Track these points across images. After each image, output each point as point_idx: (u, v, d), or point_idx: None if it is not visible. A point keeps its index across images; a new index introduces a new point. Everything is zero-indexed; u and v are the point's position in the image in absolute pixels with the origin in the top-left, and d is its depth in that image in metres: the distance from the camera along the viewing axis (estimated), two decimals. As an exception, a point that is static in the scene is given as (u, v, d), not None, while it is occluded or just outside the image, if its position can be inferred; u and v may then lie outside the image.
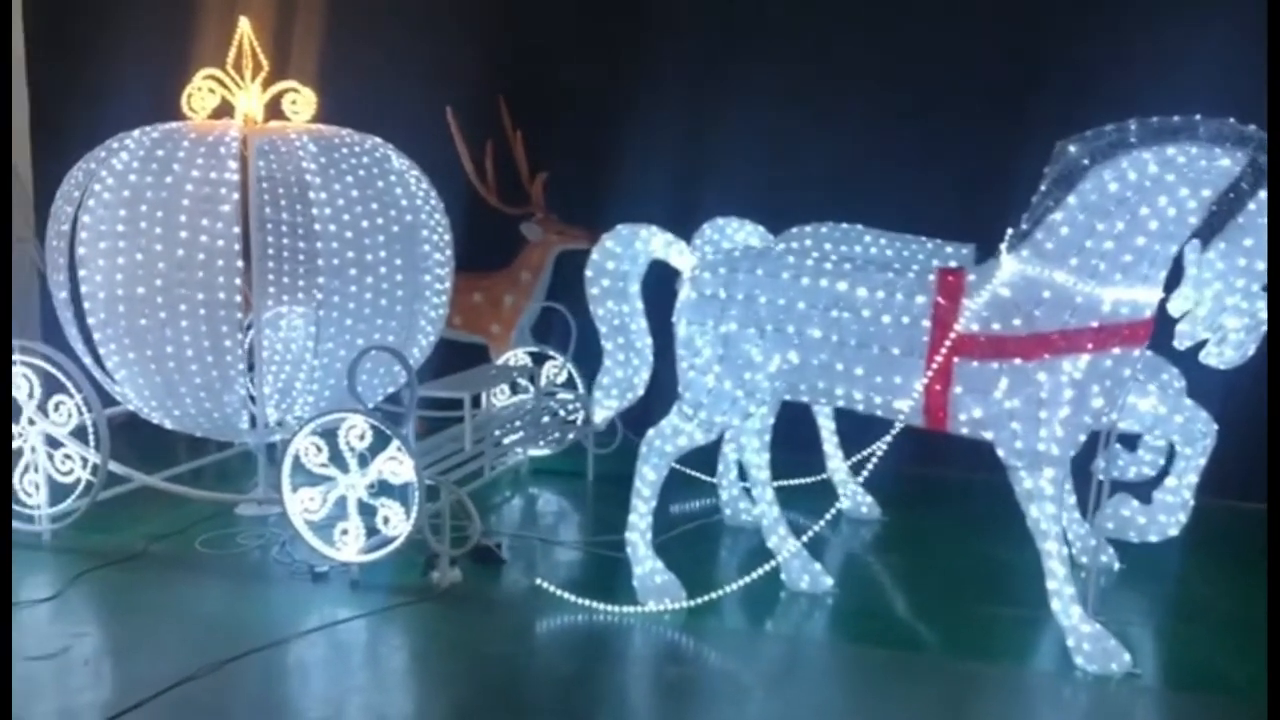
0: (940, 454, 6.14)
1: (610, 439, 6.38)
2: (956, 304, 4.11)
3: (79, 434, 5.18)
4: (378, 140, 5.46)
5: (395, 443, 4.71)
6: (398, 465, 4.71)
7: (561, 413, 6.47)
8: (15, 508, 5.24)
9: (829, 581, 4.82)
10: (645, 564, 4.68)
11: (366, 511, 4.78)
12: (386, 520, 4.74)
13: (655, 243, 4.59)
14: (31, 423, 5.14)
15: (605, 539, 5.39)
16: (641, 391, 4.74)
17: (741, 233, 5.24)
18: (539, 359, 6.65)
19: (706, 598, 4.59)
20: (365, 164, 5.25)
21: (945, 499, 6.21)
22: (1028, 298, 4.02)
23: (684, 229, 6.47)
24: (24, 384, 5.11)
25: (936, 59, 6.17)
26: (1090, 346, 3.94)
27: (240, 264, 4.85)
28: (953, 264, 5.28)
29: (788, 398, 4.50)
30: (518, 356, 6.70)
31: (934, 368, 4.11)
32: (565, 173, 6.86)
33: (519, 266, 6.91)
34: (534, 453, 6.46)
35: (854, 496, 5.83)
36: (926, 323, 4.14)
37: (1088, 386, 3.97)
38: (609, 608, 4.62)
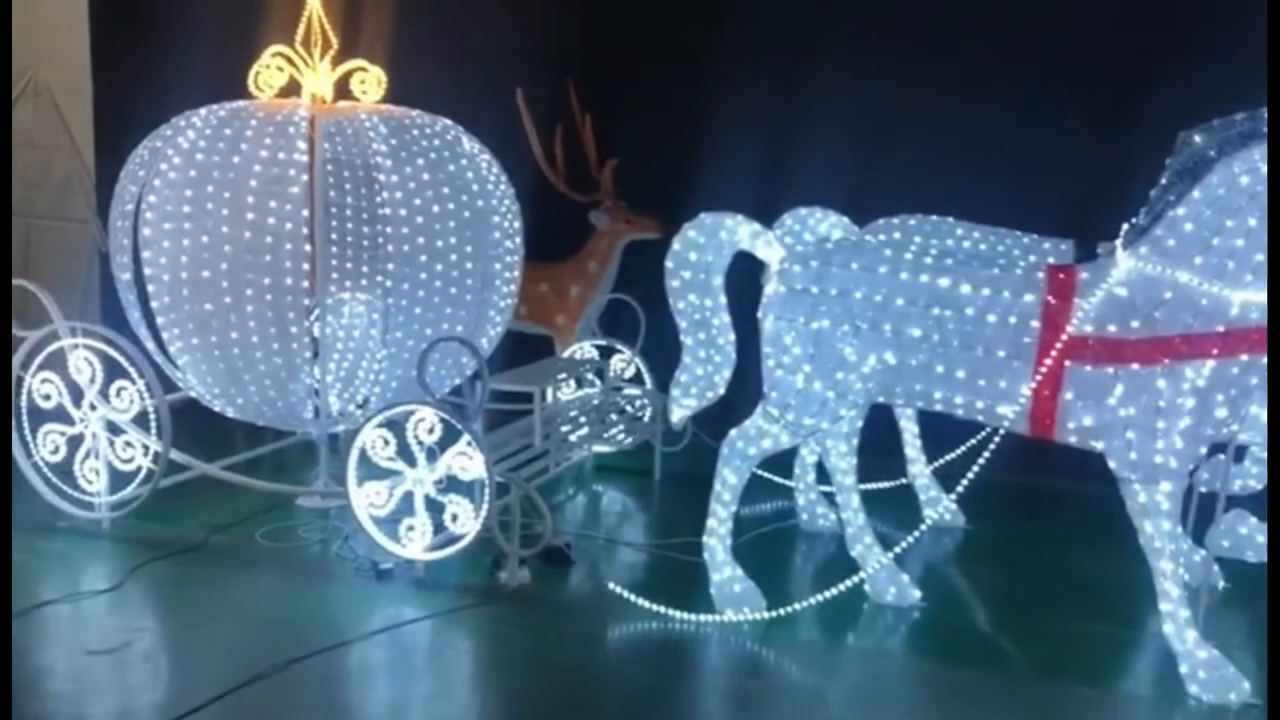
0: (1027, 461, 5.86)
1: (679, 437, 6.15)
2: (1068, 303, 3.85)
3: (139, 420, 5.03)
4: (448, 122, 5.27)
5: (466, 437, 4.52)
6: (467, 460, 4.52)
7: (629, 409, 6.26)
8: (75, 494, 5.11)
9: (916, 594, 4.57)
10: (724, 571, 4.45)
11: (433, 508, 4.60)
12: (455, 517, 4.56)
13: (741, 233, 4.35)
14: (93, 408, 5.00)
15: (675, 541, 5.17)
16: (722, 391, 4.51)
17: (825, 224, 4.96)
18: (606, 352, 6.44)
19: (788, 609, 4.35)
20: (436, 146, 5.06)
21: (1032, 508, 5.93)
22: (1147, 298, 3.75)
23: (762, 219, 6.28)
24: (85, 368, 4.97)
25: (1032, 45, 5.86)
26: (1215, 352, 3.66)
27: (308, 248, 4.67)
28: (1051, 260, 5.02)
29: (880, 400, 4.26)
30: (584, 350, 6.49)
31: (1043, 372, 3.85)
32: (635, 159, 6.62)
33: (586, 256, 6.70)
34: (598, 449, 6.25)
35: (936, 504, 5.57)
36: (1035, 323, 3.88)
37: (1211, 395, 3.70)
38: (685, 616, 4.40)
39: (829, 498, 5.49)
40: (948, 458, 5.79)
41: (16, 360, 5.08)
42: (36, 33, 7.58)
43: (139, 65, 7.53)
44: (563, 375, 6.01)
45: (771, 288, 4.25)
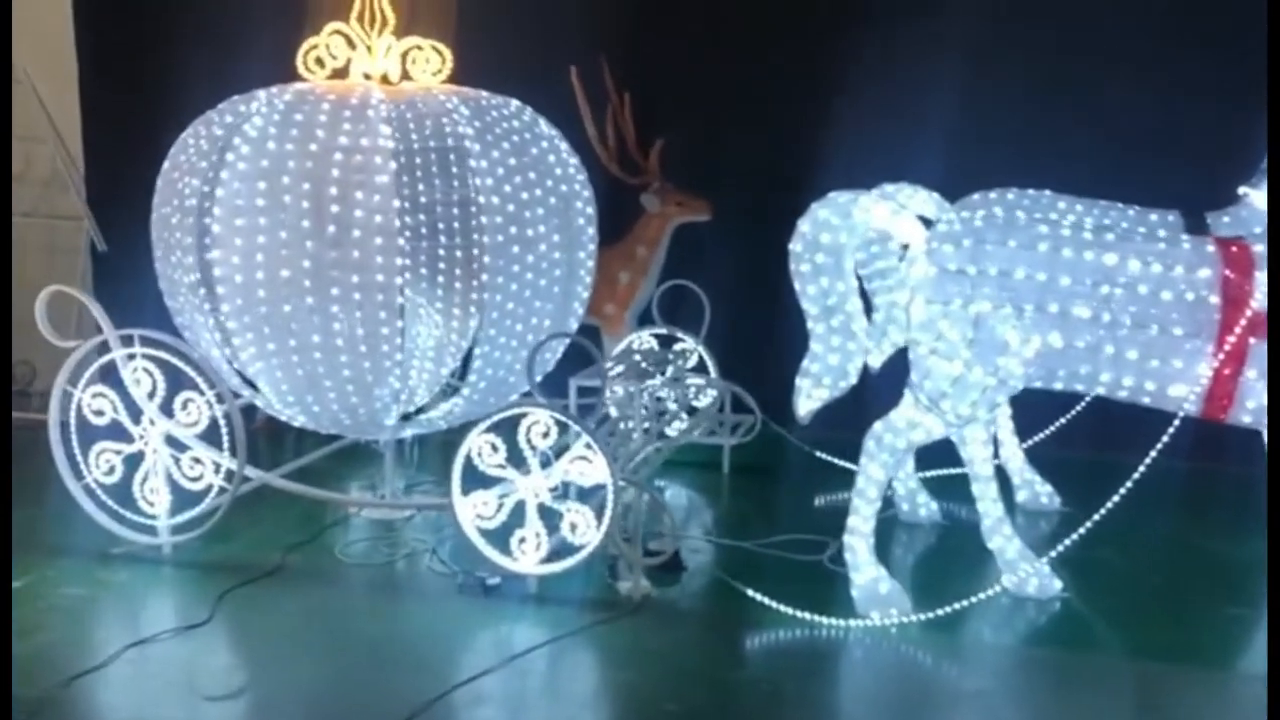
0: (1113, 438, 5.71)
1: (749, 428, 5.88)
2: (1249, 278, 3.66)
3: (205, 435, 4.62)
4: (518, 102, 4.91)
5: (585, 439, 4.20)
6: (587, 465, 4.20)
7: (697, 401, 5.96)
8: (134, 518, 4.67)
9: (1058, 585, 4.38)
10: (868, 571, 4.21)
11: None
12: (574, 527, 4.24)
13: (878, 212, 4.09)
14: (151, 423, 4.57)
15: (778, 540, 4.91)
16: (855, 380, 4.27)
17: (915, 200, 4.74)
18: (666, 341, 6.13)
19: (941, 611, 4.12)
20: (516, 128, 4.71)
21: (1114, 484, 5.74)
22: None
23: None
24: (145, 381, 4.53)
25: (1124, 13, 5.67)
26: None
27: (400, 241, 4.29)
28: (1161, 232, 4.84)
29: (1038, 384, 4.04)
30: (644, 339, 6.18)
31: (1226, 350, 3.66)
32: (681, 137, 6.31)
33: (634, 241, 6.39)
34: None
35: (1032, 486, 5.39)
36: (1215, 299, 3.68)
37: None
38: (830, 621, 4.15)
39: (928, 486, 5.31)
40: (1036, 439, 5.65)
41: (63, 375, 4.62)
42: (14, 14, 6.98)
43: (128, 48, 7.00)
44: (649, 368, 5.64)
45: (919, 269, 4.00)
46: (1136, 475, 3.92)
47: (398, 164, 4.30)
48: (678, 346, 6.07)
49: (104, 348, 4.63)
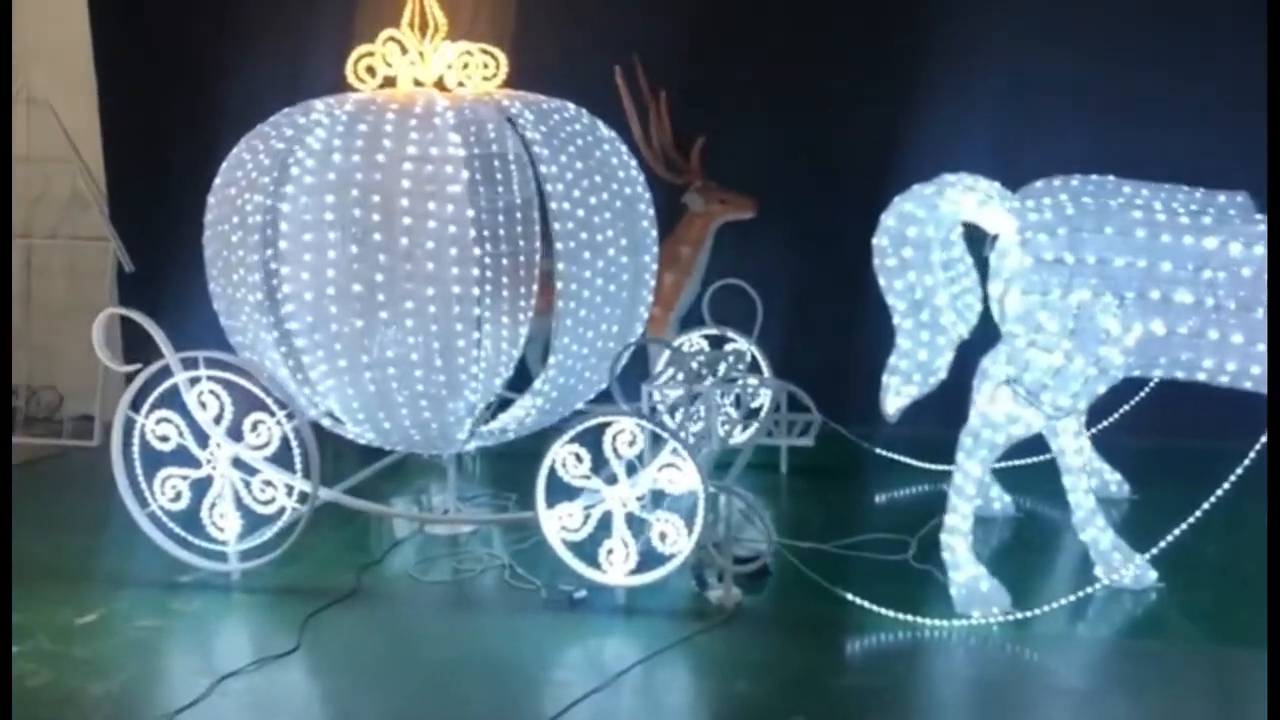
0: (1175, 422, 5.68)
1: (807, 428, 5.80)
2: (1355, 257, 3.61)
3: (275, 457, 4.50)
4: (574, 105, 4.82)
5: (672, 447, 4.11)
6: (676, 473, 4.11)
7: (751, 402, 5.86)
8: (202, 544, 4.55)
9: (1154, 575, 4.32)
10: (968, 569, 4.14)
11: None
12: (664, 536, 4.15)
13: (967, 202, 4.02)
14: (219, 447, 4.44)
15: (855, 540, 4.84)
16: (944, 375, 4.19)
17: (978, 190, 4.68)
18: (717, 342, 6.04)
19: (1045, 608, 4.05)
20: (579, 131, 4.63)
21: (1189, 472, 5.69)
22: None
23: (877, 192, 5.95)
24: (212, 404, 4.41)
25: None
26: None
27: (476, 252, 4.18)
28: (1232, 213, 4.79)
29: (1136, 373, 3.98)
30: (693, 340, 6.08)
31: (1337, 331, 3.61)
32: (721, 135, 6.21)
33: (677, 240, 6.28)
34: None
35: (1100, 475, 5.33)
36: (1322, 280, 3.63)
37: None
38: (932, 622, 4.08)
39: (999, 479, 5.25)
40: (1099, 426, 5.59)
41: (125, 400, 4.49)
42: (29, 33, 6.83)
43: (148, 67, 6.85)
44: (716, 372, 5.54)
45: (1013, 259, 3.92)
46: (1246, 463, 3.83)
47: (469, 172, 4.19)
48: (729, 347, 5.98)
49: (166, 371, 4.49)
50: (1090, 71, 5.75)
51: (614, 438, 4.14)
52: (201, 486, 4.50)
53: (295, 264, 4.24)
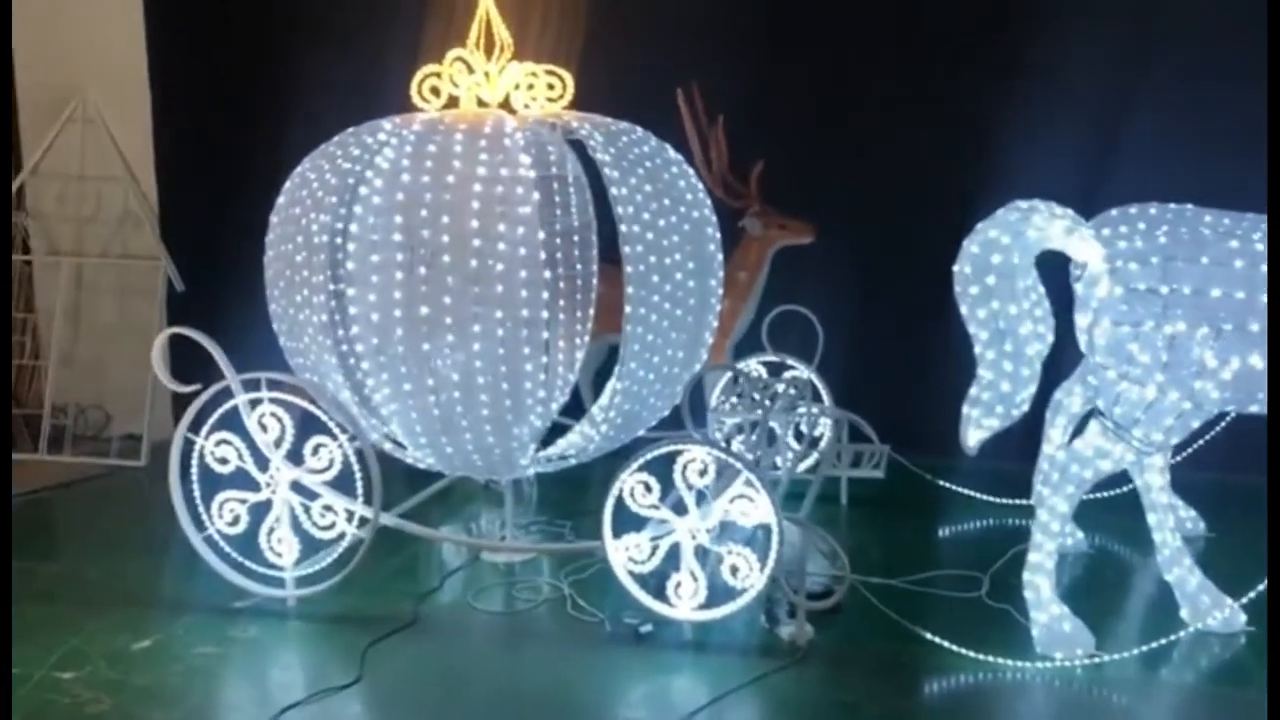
0: (1244, 458, 5.50)
1: (876, 459, 5.66)
2: None
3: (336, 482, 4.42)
4: (642, 129, 4.74)
5: (745, 477, 3.99)
6: (749, 504, 3.99)
7: (812, 431, 5.73)
8: (260, 569, 4.46)
9: (1243, 619, 4.15)
10: (1050, 609, 4.00)
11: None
12: (735, 570, 4.03)
13: (1054, 230, 3.90)
14: (279, 470, 4.36)
15: (923, 576, 4.70)
16: (1026, 408, 4.06)
17: (1054, 218, 4.55)
18: (776, 369, 5.92)
19: (1132, 651, 3.91)
20: (647, 154, 4.54)
21: (1260, 509, 5.52)
22: None
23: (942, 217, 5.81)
24: (274, 426, 4.33)
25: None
26: None
27: (547, 275, 4.09)
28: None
29: (1230, 409, 3.83)
30: (753, 367, 5.97)
31: None
32: (779, 159, 6.10)
33: (735, 265, 6.15)
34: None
35: (1174, 511, 5.16)
36: None
37: None
38: (1014, 663, 3.94)
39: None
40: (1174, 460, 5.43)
41: (184, 422, 4.42)
42: (85, 52, 6.84)
43: (201, 86, 6.84)
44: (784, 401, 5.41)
45: (1103, 289, 3.80)
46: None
47: (540, 193, 4.11)
48: (788, 374, 5.86)
49: (225, 393, 4.42)
50: (1168, 101, 5.61)
51: (685, 467, 4.03)
52: (258, 510, 4.42)
53: (362, 285, 4.16)
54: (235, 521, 4.41)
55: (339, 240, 4.23)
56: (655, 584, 4.15)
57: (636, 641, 4.16)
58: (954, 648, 4.01)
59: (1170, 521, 4.26)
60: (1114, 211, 4.89)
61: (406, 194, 4.14)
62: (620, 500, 4.11)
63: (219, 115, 6.80)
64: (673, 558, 4.12)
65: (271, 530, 4.41)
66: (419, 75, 4.63)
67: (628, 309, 4.25)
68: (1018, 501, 5.49)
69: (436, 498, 5.19)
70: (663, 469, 4.12)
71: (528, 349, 4.14)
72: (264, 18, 6.73)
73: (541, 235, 4.09)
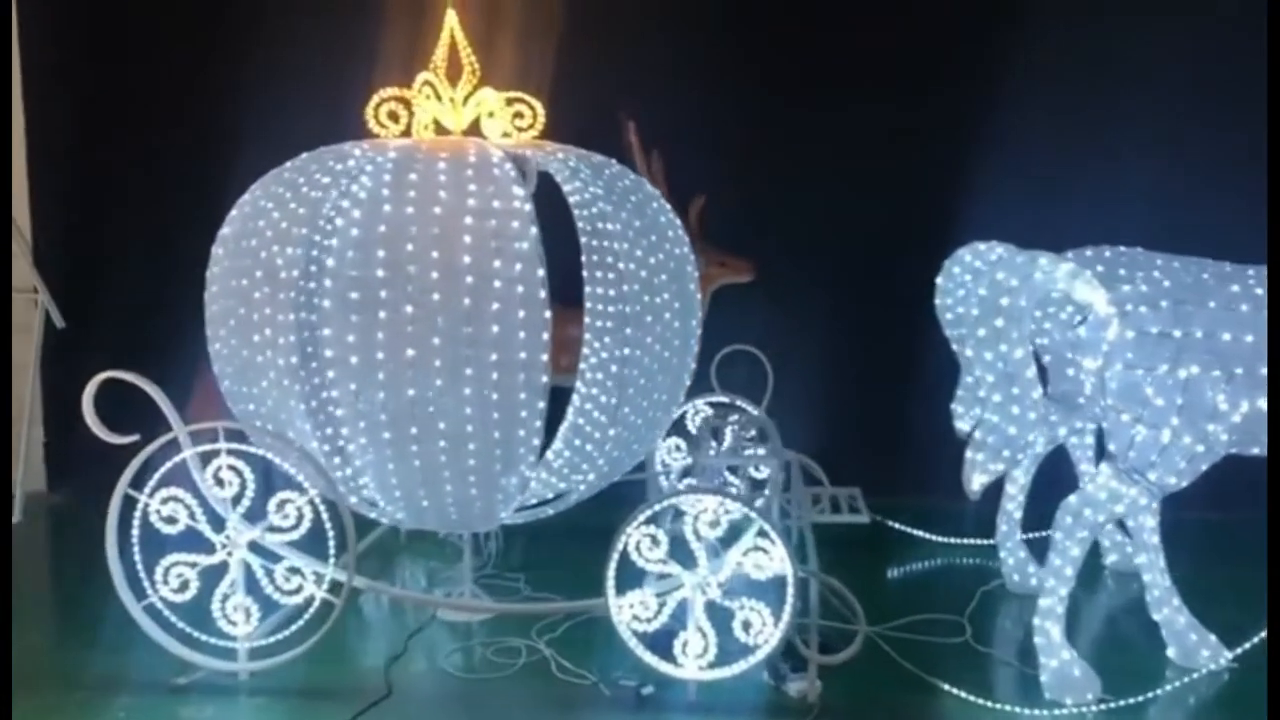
0: (1192, 496, 5.67)
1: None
2: None
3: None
4: (617, 161, 4.56)
5: (759, 527, 3.82)
6: (764, 556, 3.82)
7: (754, 472, 5.60)
8: (211, 640, 4.00)
9: (1227, 655, 4.22)
10: (1062, 654, 3.96)
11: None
12: (747, 625, 3.84)
13: (1060, 272, 3.90)
14: (236, 531, 3.93)
15: (902, 622, 4.60)
16: (1033, 451, 4.03)
17: (1008, 259, 4.61)
18: (723, 410, 5.77)
19: (1145, 695, 3.91)
20: (629, 187, 4.36)
21: (1199, 545, 5.63)
22: None
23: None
24: (234, 481, 3.90)
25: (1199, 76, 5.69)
26: None
27: (547, 315, 3.83)
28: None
29: (1234, 451, 3.89)
30: (699, 408, 5.80)
31: None
32: (725, 196, 6.00)
33: (674, 304, 6.02)
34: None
35: (1122, 549, 5.27)
36: None
37: None
38: (1030, 711, 3.88)
39: (1035, 553, 5.12)
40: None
41: (125, 477, 3.94)
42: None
43: (76, 117, 6.27)
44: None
45: (1114, 333, 3.81)
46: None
47: (538, 229, 3.85)
48: (735, 416, 5.73)
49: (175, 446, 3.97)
50: (1116, 145, 5.74)
51: (696, 517, 3.82)
52: (213, 574, 3.97)
53: (340, 324, 3.80)
54: (184, 587, 3.95)
55: (309, 275, 3.85)
56: (650, 643, 3.92)
57: (639, 705, 3.92)
58: (968, 696, 3.93)
59: (1161, 562, 4.30)
60: (1069, 254, 4.98)
61: (389, 225, 3.81)
62: (624, 554, 3.86)
63: (93, 144, 6.27)
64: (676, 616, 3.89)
65: (226, 596, 3.96)
66: (376, 99, 4.32)
67: (626, 350, 4.03)
68: (969, 541, 5.52)
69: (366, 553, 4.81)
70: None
71: (524, 394, 3.86)
72: (148, 31, 6.23)
73: (542, 272, 3.82)
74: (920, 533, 5.65)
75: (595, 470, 4.26)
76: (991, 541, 5.34)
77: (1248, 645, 4.09)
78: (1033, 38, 5.74)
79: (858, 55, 5.94)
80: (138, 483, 3.94)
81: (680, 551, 3.85)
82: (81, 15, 6.21)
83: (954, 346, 4.83)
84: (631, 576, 3.91)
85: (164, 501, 3.90)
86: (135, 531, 3.93)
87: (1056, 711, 3.88)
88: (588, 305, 4.02)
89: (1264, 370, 3.70)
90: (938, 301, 4.79)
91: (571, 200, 4.06)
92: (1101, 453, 5.00)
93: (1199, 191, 5.59)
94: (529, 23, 5.32)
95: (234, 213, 4.22)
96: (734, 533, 3.86)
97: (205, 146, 5.89)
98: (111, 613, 4.03)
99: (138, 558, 3.96)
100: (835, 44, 5.98)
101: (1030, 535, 5.10)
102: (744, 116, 6.05)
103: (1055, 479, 4.97)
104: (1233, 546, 5.35)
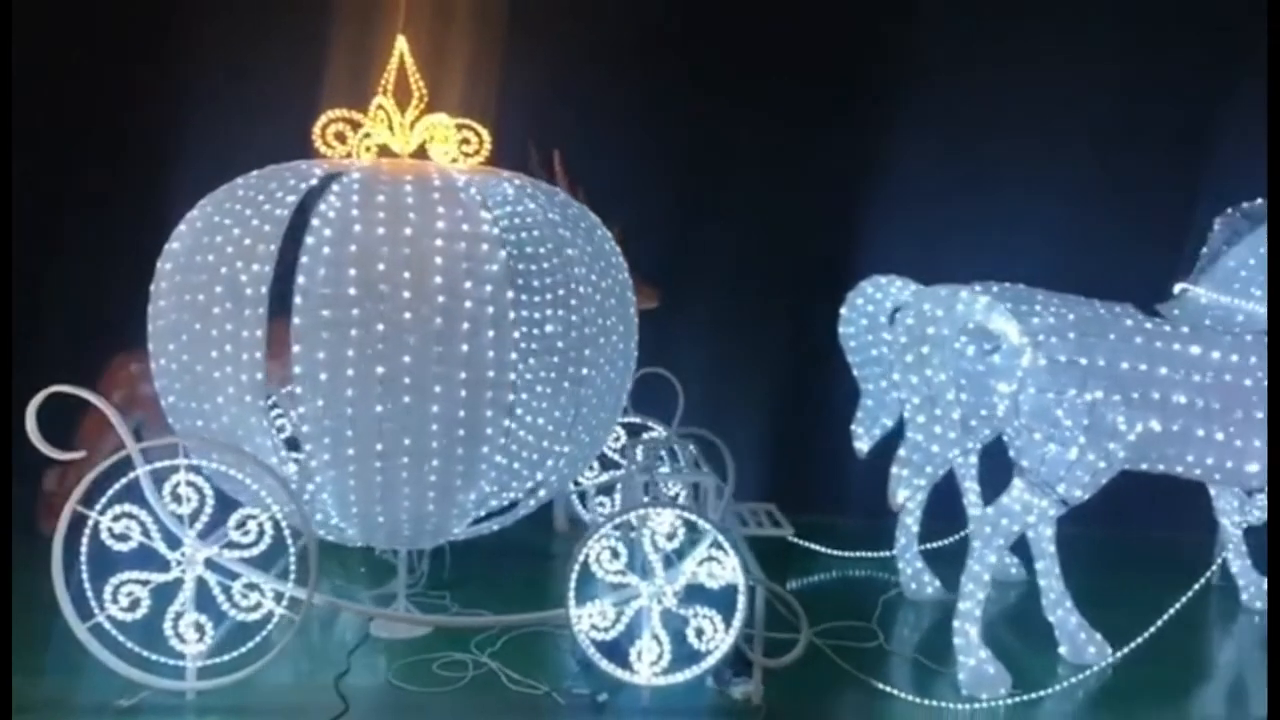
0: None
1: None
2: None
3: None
4: (559, 189, 4.75)
5: (712, 538, 4.05)
6: (717, 566, 4.05)
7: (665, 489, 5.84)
8: (159, 659, 3.94)
9: (1110, 651, 4.69)
10: (979, 654, 4.34)
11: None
12: (700, 632, 4.06)
13: (978, 305, 4.30)
14: (191, 549, 3.90)
15: (823, 628, 4.90)
16: (949, 467, 4.41)
17: (906, 292, 5.05)
18: (635, 431, 6.00)
19: (1051, 690, 4.33)
20: (578, 214, 4.55)
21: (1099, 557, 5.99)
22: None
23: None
24: (193, 497, 3.87)
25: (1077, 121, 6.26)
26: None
27: (516, 335, 3.97)
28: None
29: (1127, 466, 4.36)
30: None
31: (1297, 428, 4.16)
32: (641, 225, 6.23)
33: (583, 329, 6.22)
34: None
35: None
36: (1279, 384, 4.19)
37: None
38: (953, 705, 4.24)
39: (937, 564, 5.53)
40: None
41: (75, 495, 3.85)
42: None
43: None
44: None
45: (1027, 360, 4.22)
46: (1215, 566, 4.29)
47: (509, 253, 4.00)
48: (647, 435, 5.96)
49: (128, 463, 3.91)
50: (1001, 186, 6.23)
51: (654, 530, 4.02)
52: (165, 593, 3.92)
53: (310, 342, 3.84)
54: (134, 606, 3.88)
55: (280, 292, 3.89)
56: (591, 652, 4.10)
57: (595, 711, 4.07)
58: (899, 694, 4.26)
59: (1056, 569, 4.75)
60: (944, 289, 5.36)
61: (360, 245, 3.89)
62: (584, 571, 4.01)
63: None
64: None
65: (180, 614, 3.91)
66: (324, 119, 4.39)
67: (585, 370, 4.21)
68: (861, 554, 5.90)
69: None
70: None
71: (490, 411, 3.98)
72: (82, 45, 6.04)
73: (511, 294, 3.96)
74: (818, 546, 5.98)
75: (547, 486, 4.40)
76: (882, 554, 5.77)
77: (1130, 647, 4.53)
78: (926, 86, 6.22)
79: (771, 99, 6.31)
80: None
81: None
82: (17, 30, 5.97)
83: (855, 372, 5.24)
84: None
85: (116, 519, 3.83)
86: (83, 549, 3.83)
87: (976, 706, 4.24)
88: (548, 329, 4.17)
89: (1156, 394, 4.19)
90: (841, 330, 5.19)
91: (527, 222, 4.22)
92: (984, 473, 5.55)
93: (1080, 233, 6.15)
94: (469, 52, 5.43)
95: (182, 228, 4.20)
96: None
97: (144, 163, 5.75)
98: (60, 632, 3.91)
99: (85, 576, 3.86)
100: (751, 84, 6.33)
101: (925, 546, 5.53)
102: (659, 153, 6.33)
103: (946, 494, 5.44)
104: (1118, 559, 5.90)
